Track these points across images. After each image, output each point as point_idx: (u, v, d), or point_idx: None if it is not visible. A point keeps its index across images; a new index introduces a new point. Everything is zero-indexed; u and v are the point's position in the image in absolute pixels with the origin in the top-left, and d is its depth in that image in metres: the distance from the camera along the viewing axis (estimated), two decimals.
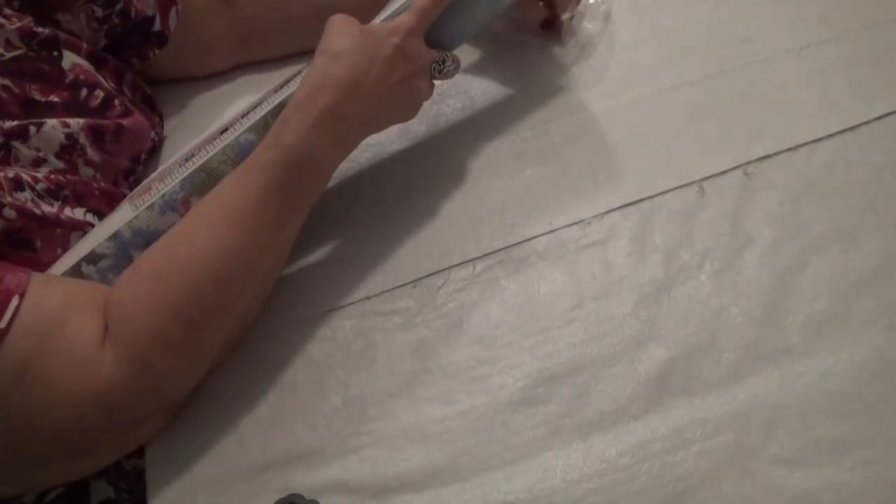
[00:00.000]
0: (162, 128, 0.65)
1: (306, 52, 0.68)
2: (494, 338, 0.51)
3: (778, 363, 0.47)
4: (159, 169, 0.52)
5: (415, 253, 0.55)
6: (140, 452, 0.50)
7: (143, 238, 0.49)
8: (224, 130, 0.51)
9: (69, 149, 0.53)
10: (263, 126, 0.50)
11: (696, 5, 0.65)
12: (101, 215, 0.53)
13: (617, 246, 0.53)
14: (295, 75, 0.53)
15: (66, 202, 0.51)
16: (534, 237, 0.55)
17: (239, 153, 0.50)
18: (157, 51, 0.62)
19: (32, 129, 0.50)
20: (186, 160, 0.51)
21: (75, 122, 0.53)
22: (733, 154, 0.55)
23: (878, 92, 0.56)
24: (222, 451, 0.50)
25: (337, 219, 0.58)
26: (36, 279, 0.43)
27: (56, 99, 0.52)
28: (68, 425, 0.43)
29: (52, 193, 0.50)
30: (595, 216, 0.55)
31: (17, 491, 0.48)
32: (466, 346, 0.51)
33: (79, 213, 0.52)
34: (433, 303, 0.53)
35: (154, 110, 0.65)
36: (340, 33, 0.47)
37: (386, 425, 0.49)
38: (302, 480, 0.48)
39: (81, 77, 0.55)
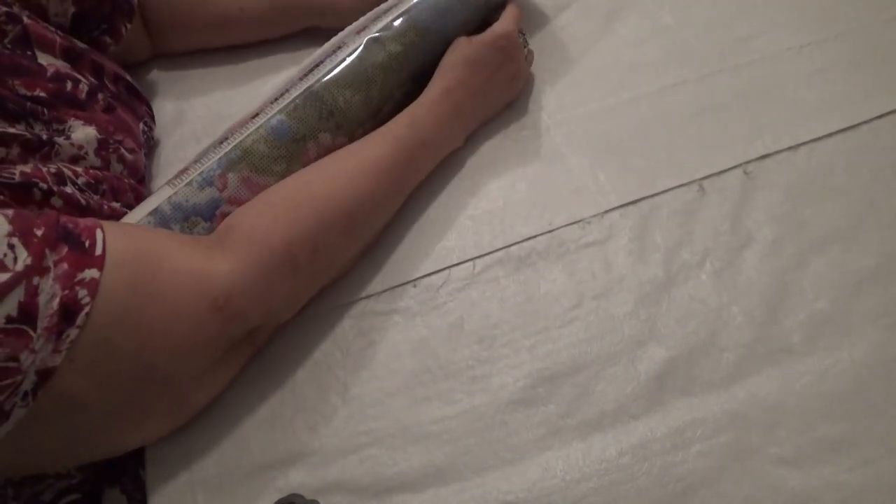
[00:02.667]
0: (152, 117, 0.65)
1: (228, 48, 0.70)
2: (494, 337, 0.51)
3: (778, 363, 0.47)
4: (195, 154, 0.55)
5: (415, 253, 0.55)
6: None
7: (181, 212, 0.51)
8: (255, 115, 0.55)
9: (105, 144, 0.53)
10: (293, 108, 0.54)
11: (697, 4, 0.65)
12: None
13: (617, 245, 0.53)
14: (318, 64, 0.57)
15: (104, 196, 0.52)
16: (534, 236, 0.55)
17: (271, 132, 0.54)
18: (128, 25, 0.62)
19: (74, 125, 0.52)
20: (221, 143, 0.54)
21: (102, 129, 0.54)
22: (733, 153, 0.55)
23: (878, 90, 0.56)
24: (222, 451, 0.50)
25: None
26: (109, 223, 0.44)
27: (42, 94, 0.52)
28: (187, 341, 0.44)
29: (93, 187, 0.51)
30: (595, 216, 0.55)
31: (121, 446, 0.47)
32: (466, 345, 0.51)
33: (116, 208, 0.52)
34: (433, 303, 0.53)
35: (140, 99, 0.64)
36: (456, 48, 0.58)
37: (386, 425, 0.49)
38: (302, 480, 0.48)
39: (62, 71, 0.54)
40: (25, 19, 0.53)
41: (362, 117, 0.56)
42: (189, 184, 0.52)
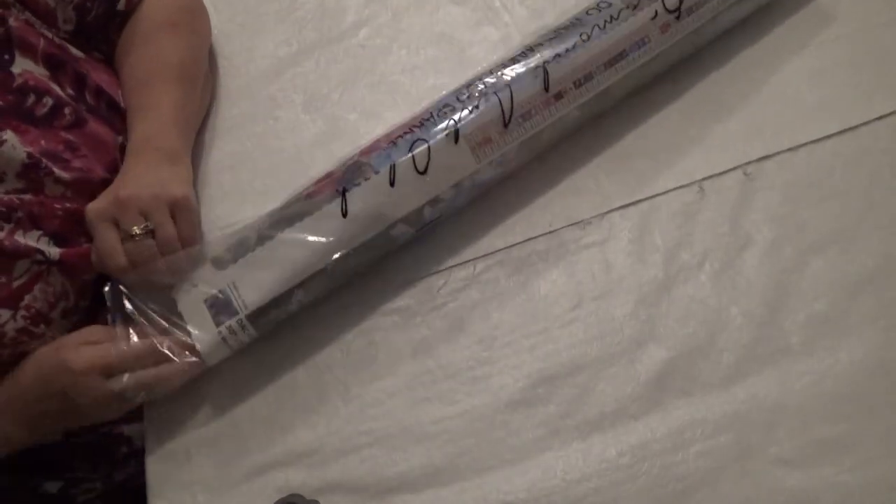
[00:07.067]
0: None
1: None
2: (494, 338, 0.51)
3: (777, 363, 0.47)
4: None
5: (415, 253, 0.55)
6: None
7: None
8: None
9: (33, 167, 0.51)
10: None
11: None
12: (59, 239, 0.51)
13: (617, 246, 0.53)
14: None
15: (18, 224, 0.50)
16: (534, 237, 0.55)
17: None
18: (119, 35, 0.60)
19: (9, 137, 0.49)
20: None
21: (32, 148, 0.51)
22: (733, 154, 0.55)
23: (878, 92, 0.56)
24: (222, 451, 0.50)
25: None
26: None
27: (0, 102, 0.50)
28: None
29: (3, 216, 0.49)
30: (595, 216, 0.55)
31: None
32: (466, 346, 0.51)
33: (31, 238, 0.50)
34: (433, 303, 0.53)
35: (122, 114, 0.60)
36: None
37: (386, 425, 0.49)
38: (302, 480, 0.48)
39: (31, 83, 0.52)
40: (12, 21, 0.51)
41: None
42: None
